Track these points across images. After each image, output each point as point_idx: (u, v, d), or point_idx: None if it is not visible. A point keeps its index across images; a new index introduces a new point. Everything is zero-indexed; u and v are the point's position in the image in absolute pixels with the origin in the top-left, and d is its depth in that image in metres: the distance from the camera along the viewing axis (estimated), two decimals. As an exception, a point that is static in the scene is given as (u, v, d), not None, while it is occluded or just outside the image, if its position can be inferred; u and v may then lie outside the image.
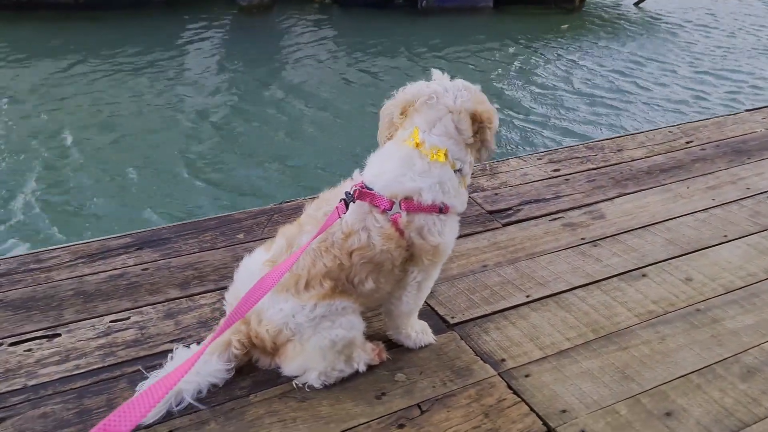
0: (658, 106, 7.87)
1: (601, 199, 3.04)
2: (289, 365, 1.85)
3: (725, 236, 2.73)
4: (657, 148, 3.58)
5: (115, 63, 8.68)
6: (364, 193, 1.80)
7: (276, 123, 6.98)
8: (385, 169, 1.84)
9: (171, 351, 1.91)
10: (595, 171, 3.31)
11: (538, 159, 3.43)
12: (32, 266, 2.39)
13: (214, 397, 1.82)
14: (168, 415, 1.75)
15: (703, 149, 3.55)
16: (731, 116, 4.03)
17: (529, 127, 7.05)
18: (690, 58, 9.88)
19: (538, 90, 8.31)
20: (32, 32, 9.91)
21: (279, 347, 1.84)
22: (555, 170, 3.31)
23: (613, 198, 3.05)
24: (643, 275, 2.47)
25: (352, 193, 1.80)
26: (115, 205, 5.10)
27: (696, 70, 9.30)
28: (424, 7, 11.63)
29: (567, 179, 3.23)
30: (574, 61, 9.61)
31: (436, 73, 1.94)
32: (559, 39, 10.65)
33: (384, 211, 1.79)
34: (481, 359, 2.02)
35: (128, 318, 2.16)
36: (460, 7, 11.71)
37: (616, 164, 3.38)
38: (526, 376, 1.97)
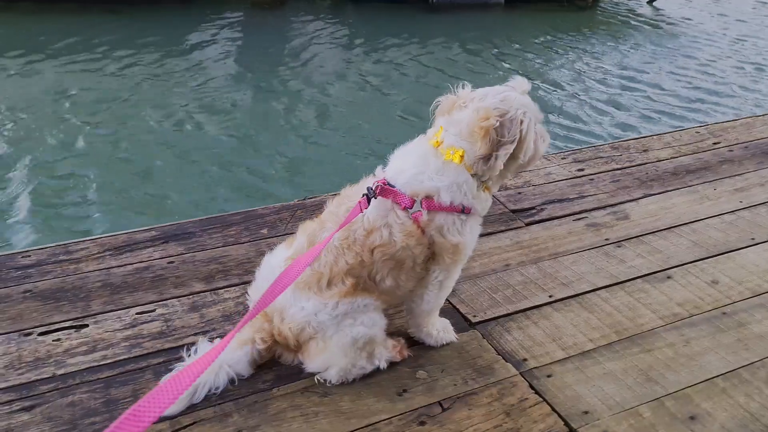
0: (683, 105, 7.73)
1: (625, 200, 3.01)
2: (312, 362, 1.87)
3: (753, 239, 2.69)
4: (684, 148, 3.53)
5: (133, 56, 8.75)
6: (386, 189, 1.81)
7: (292, 118, 6.99)
8: (405, 166, 1.86)
9: (195, 344, 1.94)
10: (620, 171, 3.28)
11: (562, 158, 3.41)
12: (62, 257, 2.44)
13: (238, 390, 1.85)
14: (192, 407, 1.78)
15: (731, 150, 3.50)
16: (760, 117, 3.96)
17: (550, 126, 7.00)
18: (712, 57, 9.68)
19: (556, 89, 8.22)
20: (52, 24, 10.04)
21: (302, 344, 1.86)
22: (579, 170, 3.28)
23: (638, 199, 3.02)
24: (668, 277, 2.44)
25: (374, 189, 1.80)
26: (140, 198, 5.17)
27: (720, 68, 9.12)
28: (435, 4, 11.63)
29: (591, 179, 3.20)
30: (591, 59, 9.48)
31: (516, 79, 1.91)
32: (574, 37, 10.53)
33: (405, 209, 1.80)
34: (503, 358, 2.02)
35: (154, 310, 2.19)
36: (471, 4, 11.69)
37: (642, 164, 3.35)
38: (548, 376, 1.96)
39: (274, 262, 1.93)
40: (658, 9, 12.59)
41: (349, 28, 10.73)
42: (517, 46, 10.00)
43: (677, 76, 8.85)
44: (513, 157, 1.80)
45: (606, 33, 10.84)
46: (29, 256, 2.44)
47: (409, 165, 1.84)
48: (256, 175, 5.66)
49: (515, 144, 1.76)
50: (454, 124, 1.81)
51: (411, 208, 1.80)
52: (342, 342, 1.81)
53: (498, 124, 1.74)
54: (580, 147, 3.59)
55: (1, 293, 2.21)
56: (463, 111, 1.81)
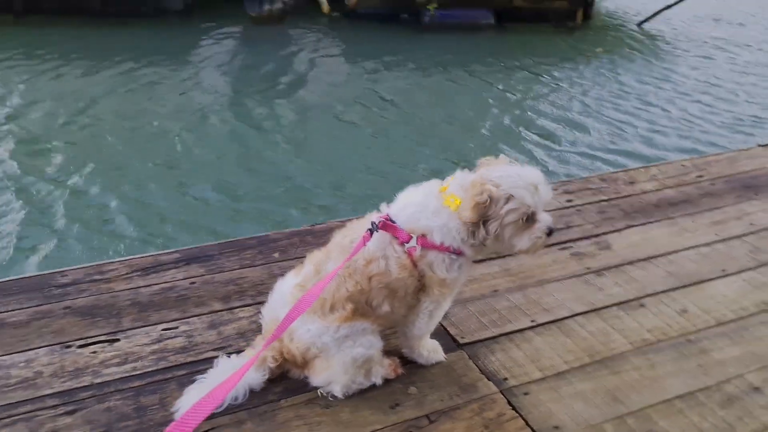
0: (671, 134, 7.82)
1: (609, 230, 3.26)
2: (316, 377, 2.13)
3: (723, 270, 2.93)
4: (668, 181, 3.78)
5: (137, 73, 9.14)
6: (387, 224, 2.05)
7: (291, 139, 7.23)
8: (408, 203, 2.10)
9: (214, 358, 2.21)
10: (606, 203, 3.53)
11: (554, 189, 3.63)
12: (95, 277, 2.72)
13: (251, 400, 2.11)
14: (211, 415, 2.05)
15: (713, 184, 3.74)
16: (745, 151, 4.20)
17: (541, 152, 7.16)
18: (701, 83, 9.80)
19: (546, 112, 8.37)
20: (60, 37, 10.54)
21: (308, 362, 2.13)
22: (568, 201, 3.54)
23: (621, 230, 3.27)
24: (641, 305, 2.69)
25: (377, 223, 2.05)
26: (159, 219, 5.47)
27: (710, 96, 9.20)
28: (427, 23, 11.96)
29: (579, 210, 3.45)
30: (583, 81, 9.65)
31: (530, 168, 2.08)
32: (564, 58, 10.73)
33: (402, 243, 2.04)
34: (486, 377, 2.27)
35: (177, 327, 2.47)
36: (462, 24, 12.01)
37: (627, 196, 3.59)
38: (525, 394, 2.21)
39: (285, 288, 2.19)
40: (646, 30, 12.74)
41: (346, 47, 11.10)
42: (507, 66, 10.26)
43: (668, 101, 8.95)
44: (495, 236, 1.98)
45: (597, 55, 11.01)
46: (67, 275, 2.73)
47: (412, 203, 2.09)
48: (264, 199, 5.88)
49: (498, 224, 1.95)
50: (463, 177, 2.05)
51: (407, 243, 2.03)
52: (343, 361, 2.08)
53: (487, 199, 1.92)
54: (571, 179, 3.84)
55: (45, 309, 2.50)
56: (476, 172, 2.05)
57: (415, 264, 2.05)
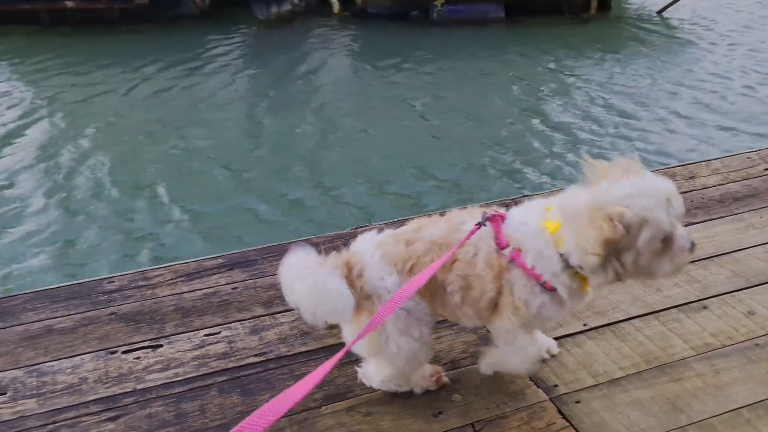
0: (717, 127, 7.37)
1: (668, 228, 3.07)
2: (359, 347, 1.93)
3: (795, 269, 2.72)
4: (732, 175, 3.55)
5: (156, 79, 9.42)
6: (496, 219, 1.88)
7: (311, 142, 7.22)
8: (517, 212, 1.91)
9: (255, 364, 2.20)
10: (664, 199, 3.33)
11: (606, 186, 3.49)
12: (140, 283, 2.75)
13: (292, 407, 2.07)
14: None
15: (781, 177, 3.50)
16: (817, 141, 3.91)
17: (573, 148, 6.88)
18: (730, 69, 9.23)
19: (568, 107, 8.04)
20: (79, 46, 11.04)
21: (359, 305, 1.90)
22: (623, 198, 3.36)
23: (681, 227, 3.08)
24: (704, 307, 2.51)
25: (487, 217, 1.88)
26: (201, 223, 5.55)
27: (752, 86, 8.60)
28: (436, 18, 11.85)
29: (635, 207, 3.27)
30: (603, 75, 9.24)
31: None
32: (580, 51, 10.30)
33: (498, 244, 1.85)
34: (535, 384, 2.16)
35: (219, 332, 2.46)
36: (471, 18, 11.83)
37: (687, 192, 3.39)
38: (577, 402, 2.09)
39: (369, 239, 2.01)
40: (666, 18, 12.15)
41: (358, 46, 11.14)
42: (520, 59, 9.99)
43: (698, 93, 8.41)
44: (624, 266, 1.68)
45: (616, 47, 10.54)
46: (113, 281, 2.76)
47: (520, 213, 1.90)
48: (298, 204, 5.88)
49: (633, 254, 1.65)
50: (570, 198, 1.76)
51: (503, 250, 1.84)
52: (389, 353, 1.95)
53: (621, 232, 1.60)
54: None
55: (91, 315, 2.54)
56: (585, 193, 1.72)
57: (500, 272, 1.85)
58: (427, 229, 1.94)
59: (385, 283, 1.89)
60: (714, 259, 2.82)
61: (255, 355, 2.33)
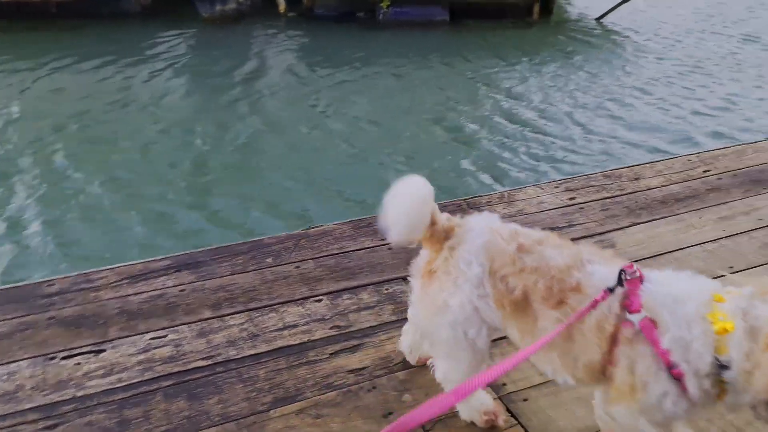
0: (626, 141, 7.36)
1: (613, 228, 3.16)
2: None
3: (731, 268, 2.82)
4: (674, 177, 3.67)
5: (91, 76, 9.08)
6: (635, 281, 1.55)
7: (247, 144, 7.01)
8: (669, 280, 1.60)
9: (202, 367, 2.15)
10: (610, 200, 3.43)
11: (555, 187, 3.57)
12: (83, 286, 2.66)
13: (240, 411, 2.03)
14: (198, 427, 1.97)
15: (719, 179, 3.63)
16: (752, 144, 4.08)
17: (524, 149, 6.92)
18: (668, 74, 9.49)
19: (515, 110, 8.06)
20: (8, 41, 10.62)
21: (430, 274, 1.80)
22: (571, 198, 3.44)
23: (626, 227, 3.17)
24: (647, 305, 2.58)
25: (627, 277, 1.56)
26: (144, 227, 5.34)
27: (664, 97, 8.73)
28: (382, 20, 11.99)
29: (582, 207, 3.35)
30: (546, 79, 9.36)
31: None
32: (525, 54, 10.47)
33: (624, 309, 1.53)
34: (484, 383, 2.18)
35: (166, 336, 2.40)
36: (416, 21, 12.03)
37: (632, 193, 3.49)
38: (524, 400, 2.12)
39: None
40: (605, 24, 12.54)
41: (303, 47, 11.05)
42: (463, 63, 10.06)
43: (637, 97, 8.53)
44: None
45: (559, 51, 10.77)
46: (53, 284, 2.66)
47: (672, 283, 1.58)
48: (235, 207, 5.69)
49: None
50: (756, 301, 1.44)
51: (631, 315, 1.51)
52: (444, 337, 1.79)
53: None
54: (573, 176, 3.74)
55: (29, 320, 2.43)
56: None
57: (616, 340, 1.53)
58: (550, 247, 1.68)
59: (469, 270, 1.70)
60: (657, 258, 2.91)
61: (202, 359, 2.27)
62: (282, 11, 12.58)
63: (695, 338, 1.45)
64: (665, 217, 3.25)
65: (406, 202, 1.74)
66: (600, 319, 1.54)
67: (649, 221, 3.22)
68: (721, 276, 1.74)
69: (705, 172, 3.72)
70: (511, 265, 1.66)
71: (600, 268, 1.61)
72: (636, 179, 3.65)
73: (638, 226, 3.18)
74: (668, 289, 1.54)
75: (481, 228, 1.76)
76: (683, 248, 2.98)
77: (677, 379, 1.46)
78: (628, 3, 12.61)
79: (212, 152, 6.76)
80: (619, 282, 1.55)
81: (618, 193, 3.50)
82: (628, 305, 1.52)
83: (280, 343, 2.34)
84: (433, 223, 1.77)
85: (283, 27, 12.07)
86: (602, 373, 1.58)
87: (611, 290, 1.54)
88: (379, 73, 9.55)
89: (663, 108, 8.17)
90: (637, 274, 1.56)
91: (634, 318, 1.50)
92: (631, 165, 3.89)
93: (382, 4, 11.99)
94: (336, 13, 12.30)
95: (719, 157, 3.89)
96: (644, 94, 8.63)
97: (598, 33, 12.17)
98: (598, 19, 12.92)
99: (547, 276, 1.61)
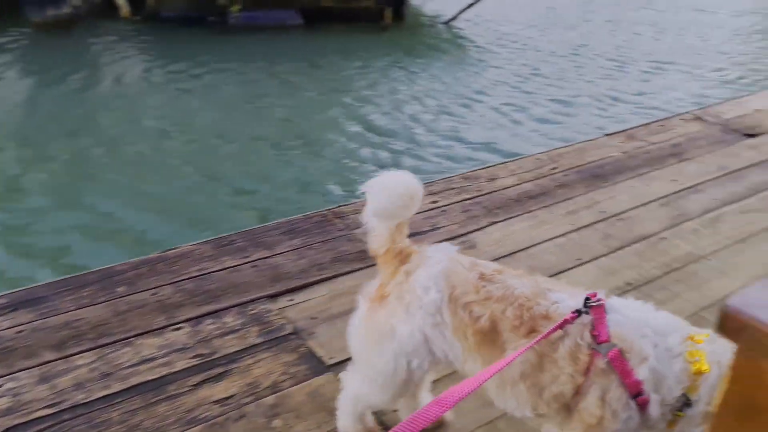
0: (510, 129, 7.64)
1: (474, 229, 3.27)
2: None
3: (579, 259, 3.02)
4: (526, 175, 3.88)
5: None
6: (600, 312, 1.53)
7: (75, 161, 6.31)
8: (640, 312, 1.59)
9: (44, 417, 1.93)
10: (469, 201, 3.55)
11: (417, 191, 3.63)
12: None
13: None
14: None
15: (566, 175, 3.89)
16: (592, 141, 4.42)
17: (382, 152, 6.87)
18: (518, 76, 9.91)
19: (372, 113, 8.06)
20: None
21: (380, 291, 1.79)
22: (433, 202, 3.52)
23: (485, 227, 3.29)
24: (507, 302, 2.70)
25: (590, 305, 1.54)
26: None
27: (496, 106, 8.86)
28: (232, 24, 11.93)
29: (444, 210, 3.45)
30: (404, 82, 9.49)
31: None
32: (381, 58, 10.59)
33: (594, 337, 1.51)
34: (355, 398, 2.16)
35: (2, 385, 2.14)
36: (268, 25, 12.06)
37: (489, 193, 3.64)
38: (395, 411, 2.12)
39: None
40: (454, 29, 13.22)
41: (146, 52, 10.44)
42: (317, 66, 10.05)
43: (479, 101, 8.73)
44: None
45: (408, 56, 10.98)
46: None
47: (644, 315, 1.57)
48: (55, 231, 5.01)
49: None
50: (724, 348, 1.43)
51: (600, 345, 1.50)
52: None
53: None
54: (433, 180, 3.83)
55: None
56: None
57: (587, 371, 1.51)
58: (510, 277, 1.65)
59: (426, 296, 1.65)
60: (514, 255, 3.05)
61: (46, 407, 2.05)
62: (125, 15, 11.77)
63: (673, 374, 1.47)
64: (520, 215, 3.42)
65: (400, 182, 1.70)
66: (573, 349, 1.51)
67: (505, 220, 3.37)
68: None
69: (553, 169, 3.97)
70: (474, 293, 1.61)
71: (563, 296, 1.60)
72: (492, 180, 3.82)
73: (496, 225, 3.32)
74: (641, 319, 1.54)
75: (441, 255, 1.72)
76: (537, 244, 3.15)
77: (642, 405, 1.49)
78: (474, 6, 13.17)
79: (28, 177, 5.88)
80: (586, 306, 1.54)
81: (476, 194, 3.63)
82: (596, 335, 1.51)
83: (135, 380, 2.17)
84: (398, 234, 1.74)
85: (126, 32, 11.26)
86: (567, 404, 1.55)
87: (579, 312, 1.53)
88: (227, 80, 9.16)
89: (503, 112, 8.51)
90: (601, 301, 1.55)
91: (602, 349, 1.49)
92: (487, 166, 4.06)
93: (232, 9, 11.64)
94: (184, 16, 11.74)
95: (564, 154, 4.17)
96: (486, 97, 8.99)
97: (446, 37, 12.61)
98: (446, 23, 13.42)
99: (514, 304, 1.58)
